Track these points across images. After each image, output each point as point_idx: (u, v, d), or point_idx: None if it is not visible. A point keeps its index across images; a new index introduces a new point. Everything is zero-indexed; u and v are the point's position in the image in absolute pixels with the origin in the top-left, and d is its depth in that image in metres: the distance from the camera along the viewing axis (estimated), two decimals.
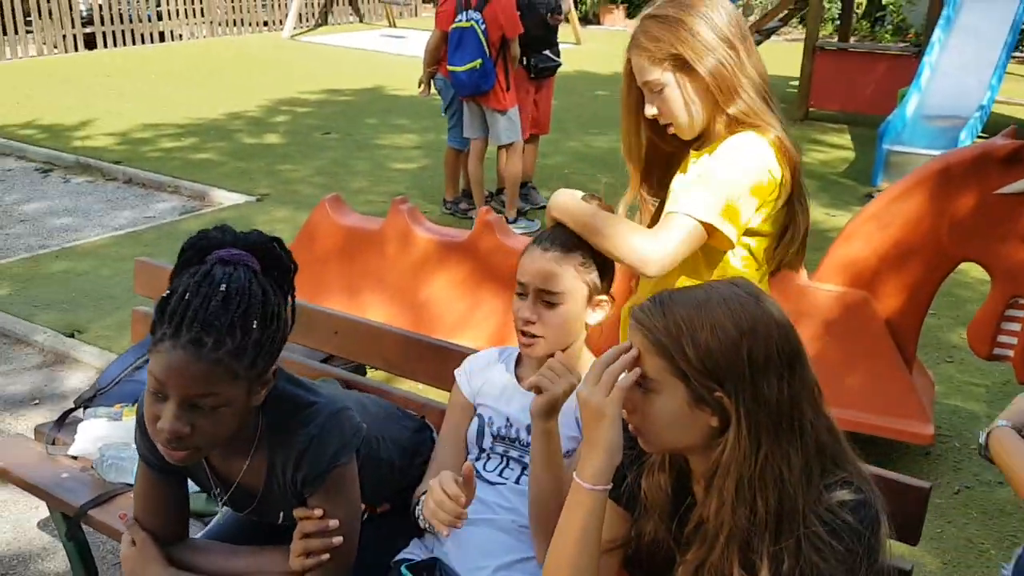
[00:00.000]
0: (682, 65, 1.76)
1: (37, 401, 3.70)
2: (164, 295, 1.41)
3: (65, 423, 2.51)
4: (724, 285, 1.26)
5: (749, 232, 1.81)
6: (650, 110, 1.83)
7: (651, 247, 1.72)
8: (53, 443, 2.42)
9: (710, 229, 1.74)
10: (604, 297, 1.73)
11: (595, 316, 1.73)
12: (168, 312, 1.38)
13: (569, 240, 1.70)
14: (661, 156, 1.95)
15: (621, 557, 1.44)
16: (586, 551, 1.29)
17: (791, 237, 1.87)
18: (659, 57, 1.76)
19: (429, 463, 1.87)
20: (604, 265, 1.74)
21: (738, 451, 1.17)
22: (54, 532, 2.62)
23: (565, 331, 1.70)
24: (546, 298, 1.68)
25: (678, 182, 1.90)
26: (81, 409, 2.59)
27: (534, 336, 1.69)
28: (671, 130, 1.85)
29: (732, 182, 1.74)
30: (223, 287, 1.38)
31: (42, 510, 2.82)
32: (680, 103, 1.80)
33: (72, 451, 2.32)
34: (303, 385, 1.62)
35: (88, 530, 2.35)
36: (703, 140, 1.87)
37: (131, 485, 1.89)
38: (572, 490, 1.29)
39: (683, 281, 1.83)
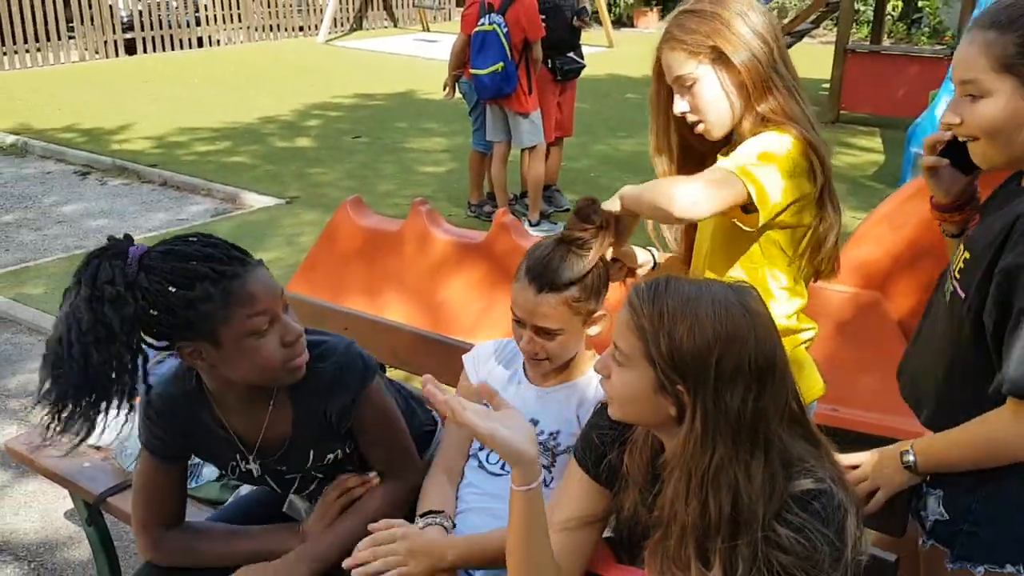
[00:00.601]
0: (719, 57, 1.74)
1: None
2: (182, 293, 1.45)
3: None
4: (720, 287, 1.28)
5: (778, 224, 1.77)
6: (680, 106, 1.79)
7: (683, 185, 1.65)
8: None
9: (744, 188, 1.65)
10: (601, 312, 1.75)
11: (595, 329, 1.77)
12: (205, 275, 1.45)
13: (560, 279, 1.68)
14: (695, 157, 1.91)
15: (600, 529, 1.50)
16: (529, 542, 1.36)
17: (819, 237, 1.80)
18: (695, 50, 1.74)
19: (438, 449, 1.93)
20: (596, 287, 1.73)
21: (689, 446, 1.21)
22: (79, 522, 2.71)
23: (568, 350, 1.76)
24: (544, 332, 1.72)
25: None
26: None
27: (540, 360, 1.76)
28: (699, 129, 1.81)
29: (750, 154, 1.70)
30: (194, 239, 1.52)
31: (68, 501, 2.92)
32: (712, 97, 1.76)
33: (92, 441, 2.40)
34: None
35: (110, 520, 2.44)
36: (731, 144, 1.85)
37: None
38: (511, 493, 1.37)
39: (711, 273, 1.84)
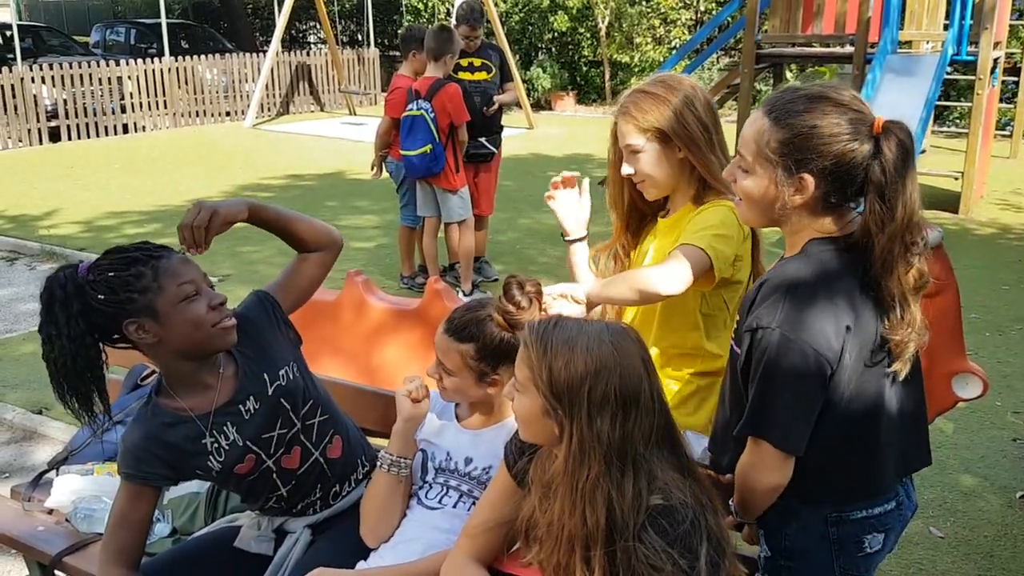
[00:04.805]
0: (663, 137, 2.03)
1: (8, 474, 3.84)
2: (121, 274, 1.77)
3: (39, 483, 2.69)
4: (597, 327, 1.49)
5: (728, 282, 2.06)
6: (626, 169, 2.11)
7: (660, 272, 1.93)
8: (29, 500, 2.59)
9: (707, 257, 1.93)
10: (495, 377, 1.95)
11: (493, 389, 1.97)
12: (138, 259, 1.80)
13: (461, 332, 1.94)
14: (638, 211, 2.23)
15: (505, 533, 1.69)
16: None
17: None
18: (644, 127, 2.04)
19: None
20: (495, 354, 1.93)
21: (568, 463, 1.40)
22: None
23: (463, 394, 2.01)
24: (442, 365, 1.98)
25: (654, 247, 2.18)
26: (54, 471, 2.77)
27: (444, 388, 2.02)
28: (640, 186, 2.13)
29: (705, 230, 1.99)
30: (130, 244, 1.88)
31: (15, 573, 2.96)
32: (652, 168, 2.07)
33: (48, 504, 2.50)
34: None
35: None
36: (668, 209, 2.17)
37: (103, 534, 2.09)
38: None
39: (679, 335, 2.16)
